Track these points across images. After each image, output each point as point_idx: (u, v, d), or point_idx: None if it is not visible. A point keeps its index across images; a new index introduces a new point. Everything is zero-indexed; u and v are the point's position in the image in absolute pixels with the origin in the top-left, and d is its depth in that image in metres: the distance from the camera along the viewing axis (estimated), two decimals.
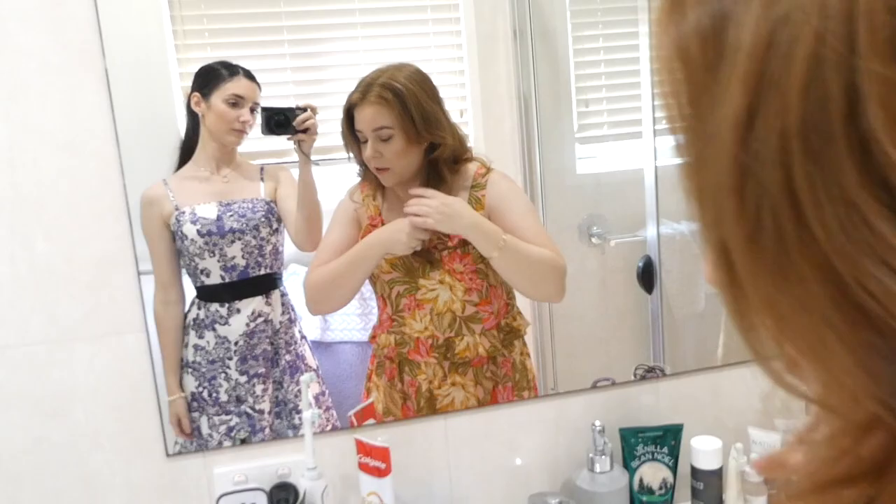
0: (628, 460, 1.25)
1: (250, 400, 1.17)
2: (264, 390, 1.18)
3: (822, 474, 0.25)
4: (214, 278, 1.15)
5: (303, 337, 1.22)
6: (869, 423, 0.24)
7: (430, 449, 1.23)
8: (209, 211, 1.14)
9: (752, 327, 0.26)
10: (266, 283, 1.17)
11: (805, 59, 0.21)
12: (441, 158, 1.15)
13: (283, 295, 1.19)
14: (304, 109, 1.14)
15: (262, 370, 1.18)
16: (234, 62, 1.14)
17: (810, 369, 0.25)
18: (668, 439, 1.25)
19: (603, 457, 1.18)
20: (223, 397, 1.16)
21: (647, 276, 1.36)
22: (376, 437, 1.12)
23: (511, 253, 1.14)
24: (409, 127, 1.12)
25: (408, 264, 1.18)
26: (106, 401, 1.11)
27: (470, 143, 1.23)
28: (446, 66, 1.30)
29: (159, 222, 1.12)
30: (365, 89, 1.12)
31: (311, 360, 1.22)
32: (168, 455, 1.15)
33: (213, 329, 1.15)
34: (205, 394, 1.16)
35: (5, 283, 1.06)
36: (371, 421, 1.20)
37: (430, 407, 1.21)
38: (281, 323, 1.19)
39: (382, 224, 1.18)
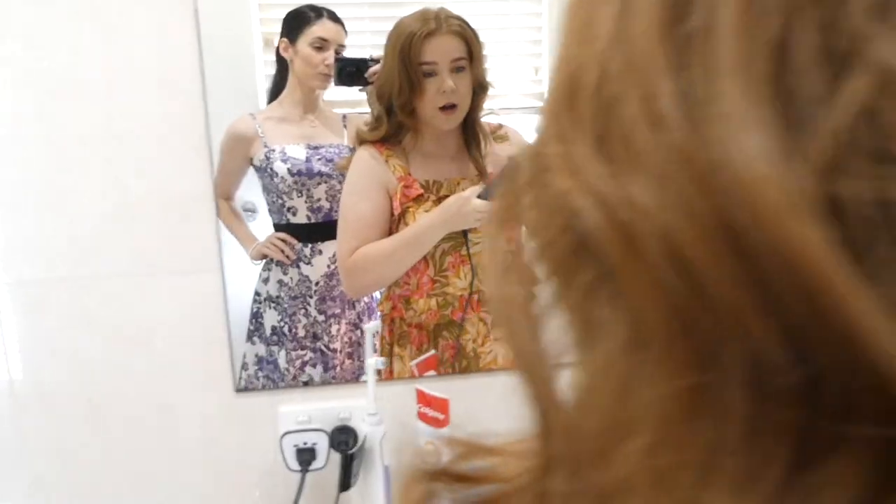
0: None
1: (325, 338, 1.22)
2: (338, 330, 1.22)
3: None
4: (300, 218, 1.18)
5: None
6: None
7: (486, 405, 1.24)
8: (298, 152, 1.17)
9: None
10: None
11: None
12: (480, 106, 1.15)
13: None
14: (378, 61, 1.13)
15: (338, 310, 1.22)
16: (319, 5, 1.15)
17: None
18: None
19: None
20: (300, 332, 1.21)
21: None
22: (436, 388, 1.14)
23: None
24: (478, 64, 1.12)
25: None
26: (183, 335, 1.16)
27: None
28: (523, 20, 1.24)
29: (242, 156, 1.16)
30: (437, 21, 1.09)
31: None
32: (237, 391, 1.20)
33: (297, 267, 1.20)
34: (285, 328, 1.21)
35: (97, 216, 1.10)
36: (432, 372, 1.22)
37: (475, 366, 1.21)
38: None
39: (416, 185, 1.15)
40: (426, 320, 1.19)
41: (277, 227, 1.19)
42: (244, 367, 1.20)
